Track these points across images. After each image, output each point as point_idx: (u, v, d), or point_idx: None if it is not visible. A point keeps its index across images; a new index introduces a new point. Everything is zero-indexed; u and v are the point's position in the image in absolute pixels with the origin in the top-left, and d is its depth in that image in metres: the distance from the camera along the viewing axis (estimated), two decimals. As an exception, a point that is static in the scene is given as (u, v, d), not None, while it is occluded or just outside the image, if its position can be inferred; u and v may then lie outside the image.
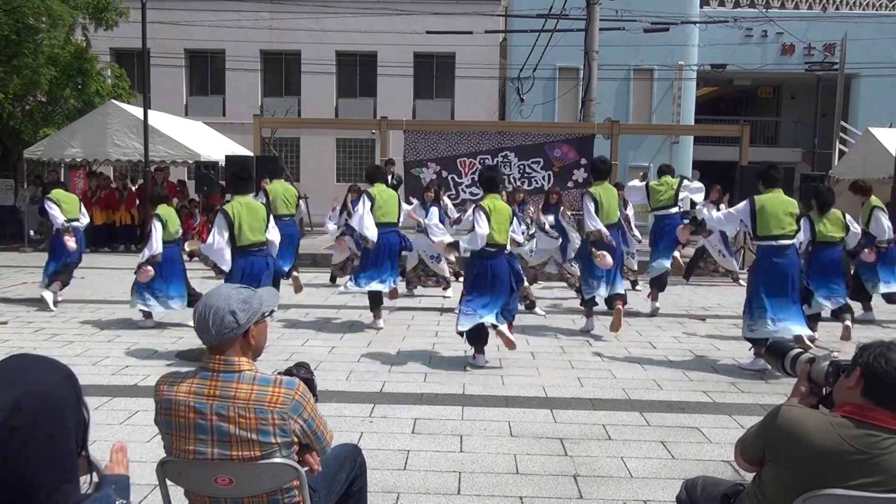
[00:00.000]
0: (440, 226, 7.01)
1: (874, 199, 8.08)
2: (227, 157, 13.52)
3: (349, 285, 7.44)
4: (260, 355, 2.30)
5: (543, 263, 9.13)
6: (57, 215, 8.36)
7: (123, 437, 4.27)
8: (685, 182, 8.81)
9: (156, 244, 7.12)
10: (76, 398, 1.51)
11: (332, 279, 10.21)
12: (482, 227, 5.82)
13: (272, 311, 2.34)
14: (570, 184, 13.42)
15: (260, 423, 2.10)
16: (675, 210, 8.54)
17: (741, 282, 10.34)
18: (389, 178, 13.46)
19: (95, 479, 1.74)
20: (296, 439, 2.18)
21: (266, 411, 2.10)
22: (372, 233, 7.10)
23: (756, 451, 2.08)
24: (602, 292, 7.18)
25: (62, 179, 16.05)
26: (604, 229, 6.93)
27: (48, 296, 8.22)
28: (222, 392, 2.12)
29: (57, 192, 8.72)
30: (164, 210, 7.41)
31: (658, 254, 8.48)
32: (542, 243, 9.03)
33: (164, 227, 7.26)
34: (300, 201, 11.81)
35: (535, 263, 9.14)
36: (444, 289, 9.39)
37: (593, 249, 6.93)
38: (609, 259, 6.92)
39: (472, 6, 22.62)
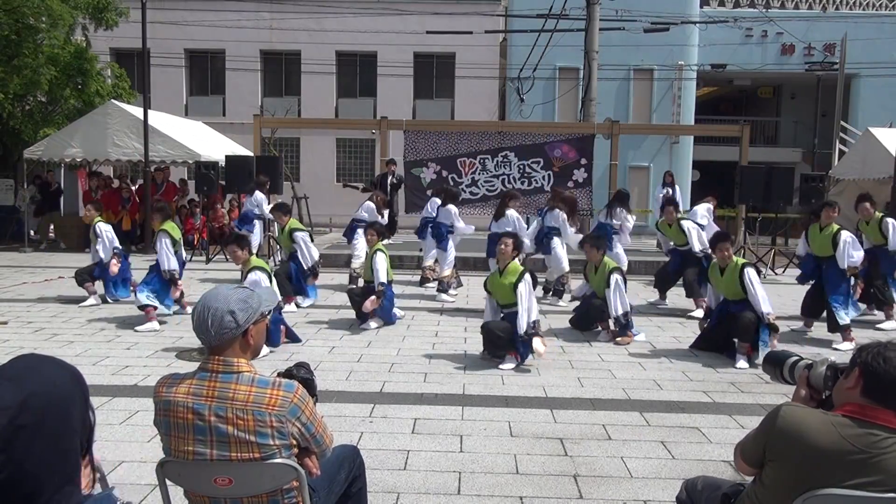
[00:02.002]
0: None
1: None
2: (227, 157, 13.53)
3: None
4: (258, 355, 2.29)
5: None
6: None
7: (123, 437, 4.27)
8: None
9: (171, 260, 7.49)
10: (83, 399, 1.51)
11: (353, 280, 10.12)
12: None
13: (270, 311, 2.34)
14: (570, 184, 13.41)
15: (258, 426, 2.09)
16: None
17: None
18: (390, 178, 13.53)
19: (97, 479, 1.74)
20: (294, 442, 2.17)
21: (264, 413, 2.09)
22: None
23: (757, 451, 2.09)
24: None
25: (62, 179, 16.14)
26: None
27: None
28: (220, 393, 2.11)
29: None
30: (169, 225, 7.72)
31: None
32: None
33: (173, 241, 7.61)
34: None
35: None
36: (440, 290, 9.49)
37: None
38: None
39: (472, 6, 22.63)
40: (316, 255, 8.88)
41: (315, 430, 2.23)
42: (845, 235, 7.17)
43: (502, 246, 6.19)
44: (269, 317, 2.32)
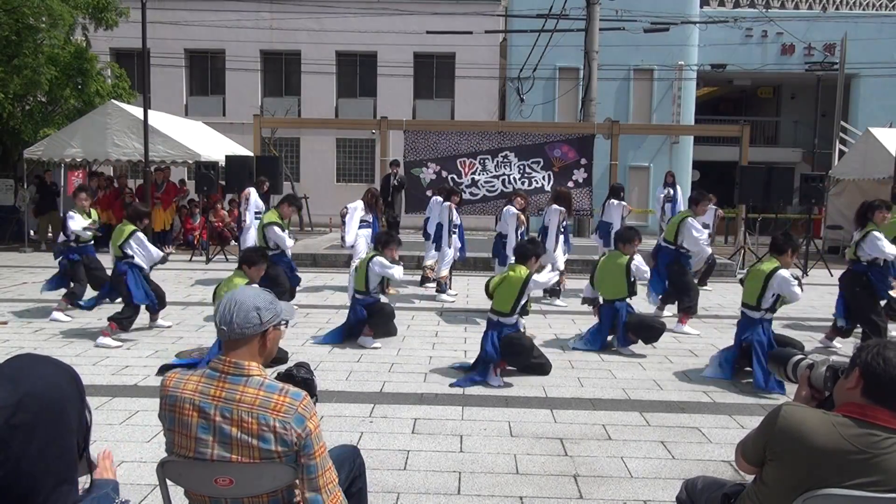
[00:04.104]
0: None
1: None
2: (227, 157, 13.52)
3: None
4: (268, 362, 2.30)
5: None
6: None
7: (123, 437, 4.27)
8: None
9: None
10: (79, 399, 1.51)
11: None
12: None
13: (286, 323, 2.35)
14: (570, 184, 13.41)
15: (261, 429, 2.09)
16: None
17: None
18: (392, 179, 13.52)
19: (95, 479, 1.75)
20: (297, 449, 2.16)
21: (269, 418, 2.09)
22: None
23: (757, 450, 2.09)
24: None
25: (62, 180, 16.15)
26: None
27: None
28: (228, 394, 2.11)
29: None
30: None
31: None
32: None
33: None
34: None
35: None
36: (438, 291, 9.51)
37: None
38: None
39: (472, 6, 22.64)
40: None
41: (314, 454, 2.13)
42: None
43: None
44: (286, 329, 2.33)
